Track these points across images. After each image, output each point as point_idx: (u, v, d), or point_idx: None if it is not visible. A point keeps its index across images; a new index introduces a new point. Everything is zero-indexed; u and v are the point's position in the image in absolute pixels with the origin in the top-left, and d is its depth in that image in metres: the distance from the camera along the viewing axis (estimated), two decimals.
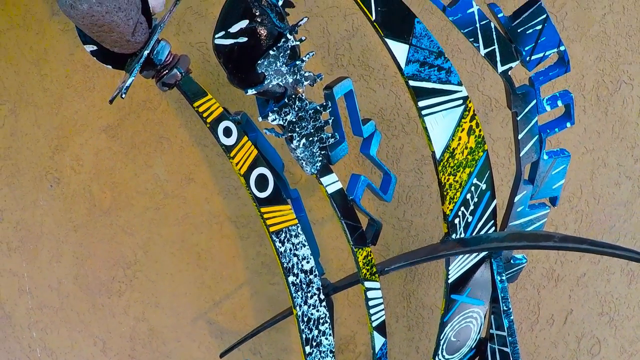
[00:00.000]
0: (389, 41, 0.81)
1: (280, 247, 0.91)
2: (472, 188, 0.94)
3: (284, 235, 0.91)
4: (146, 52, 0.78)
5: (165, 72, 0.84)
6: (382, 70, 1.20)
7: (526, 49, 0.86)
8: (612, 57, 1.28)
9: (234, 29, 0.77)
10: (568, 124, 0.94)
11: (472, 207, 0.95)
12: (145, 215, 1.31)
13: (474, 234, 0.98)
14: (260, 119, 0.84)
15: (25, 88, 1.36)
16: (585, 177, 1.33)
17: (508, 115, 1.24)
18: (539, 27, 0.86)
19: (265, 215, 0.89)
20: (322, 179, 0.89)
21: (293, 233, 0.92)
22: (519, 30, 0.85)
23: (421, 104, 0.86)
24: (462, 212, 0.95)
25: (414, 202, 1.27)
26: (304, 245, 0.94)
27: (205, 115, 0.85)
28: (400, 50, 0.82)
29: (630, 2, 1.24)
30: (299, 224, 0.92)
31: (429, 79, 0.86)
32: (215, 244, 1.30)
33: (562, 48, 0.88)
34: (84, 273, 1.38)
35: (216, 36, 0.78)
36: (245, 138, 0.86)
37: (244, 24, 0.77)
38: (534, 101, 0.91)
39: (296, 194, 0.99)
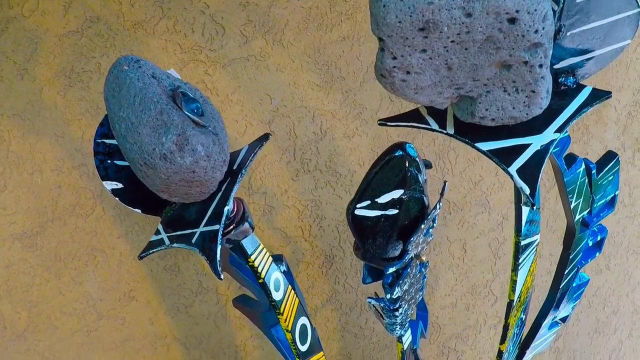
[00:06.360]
0: (524, 207, 0.78)
1: None
2: (519, 322, 0.96)
3: None
4: (227, 208, 0.61)
5: (232, 227, 0.66)
6: (349, 176, 1.12)
7: (597, 197, 0.89)
8: None
9: (384, 199, 0.64)
10: (597, 254, 0.97)
11: (514, 339, 0.98)
12: (72, 339, 1.10)
13: None
14: (387, 303, 0.73)
15: None
16: None
17: None
18: (611, 177, 0.87)
19: None
20: (402, 338, 0.85)
21: None
22: (599, 183, 0.86)
23: (521, 258, 0.84)
24: (510, 346, 0.98)
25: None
26: None
27: (259, 270, 0.72)
28: (524, 213, 0.80)
29: None
30: None
31: (529, 235, 0.85)
32: None
33: (616, 192, 0.90)
34: None
35: (358, 206, 0.65)
36: (290, 288, 0.77)
37: (397, 194, 0.64)
38: (585, 240, 0.93)
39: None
